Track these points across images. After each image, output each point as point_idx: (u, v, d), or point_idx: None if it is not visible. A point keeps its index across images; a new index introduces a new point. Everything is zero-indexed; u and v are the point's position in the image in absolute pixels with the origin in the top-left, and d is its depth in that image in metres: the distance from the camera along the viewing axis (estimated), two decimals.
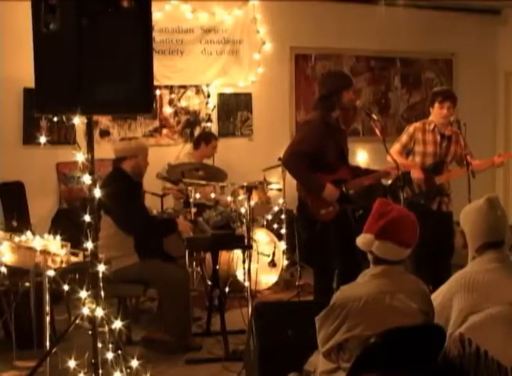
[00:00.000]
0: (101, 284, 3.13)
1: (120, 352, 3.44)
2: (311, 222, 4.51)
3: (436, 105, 5.22)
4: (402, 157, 5.24)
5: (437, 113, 5.22)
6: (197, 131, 7.08)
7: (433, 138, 5.24)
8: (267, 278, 6.08)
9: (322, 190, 4.42)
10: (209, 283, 5.05)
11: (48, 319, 3.93)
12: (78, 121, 3.09)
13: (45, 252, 3.84)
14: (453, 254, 5.28)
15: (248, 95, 7.37)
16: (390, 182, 5.42)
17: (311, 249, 4.62)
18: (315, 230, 4.48)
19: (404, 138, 5.32)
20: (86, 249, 3.12)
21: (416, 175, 5.11)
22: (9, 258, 4.03)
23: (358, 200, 4.88)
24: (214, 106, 7.19)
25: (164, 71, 6.83)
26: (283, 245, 6.28)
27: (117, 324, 3.39)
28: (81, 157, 3.09)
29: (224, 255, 5.53)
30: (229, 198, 6.05)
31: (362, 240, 2.75)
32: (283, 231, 6.41)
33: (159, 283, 4.51)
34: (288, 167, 4.57)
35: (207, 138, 6.46)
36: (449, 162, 5.33)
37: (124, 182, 4.58)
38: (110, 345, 3.34)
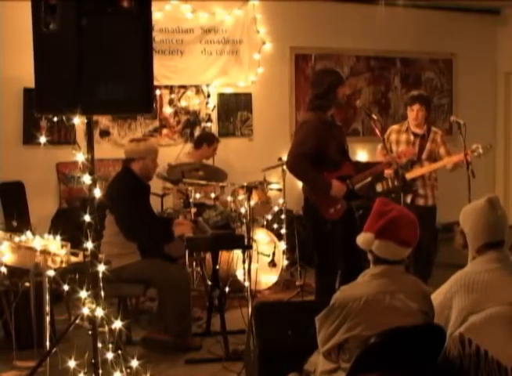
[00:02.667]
0: (101, 284, 3.13)
1: (120, 352, 3.44)
2: (320, 223, 4.50)
3: (408, 108, 5.55)
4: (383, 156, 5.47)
5: (409, 115, 5.54)
6: (197, 132, 7.08)
7: (406, 138, 5.51)
8: (267, 278, 6.08)
9: (330, 188, 4.42)
10: (209, 283, 5.05)
11: (48, 319, 3.93)
12: (78, 121, 3.09)
13: (45, 252, 3.84)
14: (434, 251, 5.40)
15: (248, 95, 7.37)
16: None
17: (317, 249, 4.61)
18: (324, 230, 4.48)
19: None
20: (86, 249, 3.12)
21: (388, 171, 5.30)
22: (9, 258, 4.03)
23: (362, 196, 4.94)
24: (214, 106, 7.19)
25: (164, 71, 6.83)
26: (283, 245, 6.28)
27: (117, 324, 3.38)
28: (81, 157, 3.09)
29: (224, 255, 5.54)
30: (229, 198, 6.05)
31: (362, 239, 2.75)
32: (283, 231, 6.41)
33: (159, 283, 4.51)
34: (293, 171, 4.55)
35: (209, 139, 6.42)
36: (424, 159, 5.46)
37: (130, 183, 4.58)
38: (110, 345, 3.34)
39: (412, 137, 5.51)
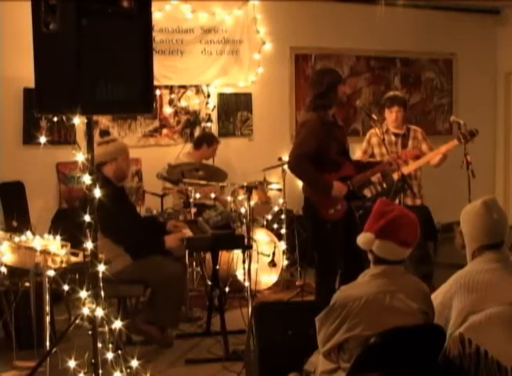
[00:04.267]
0: (101, 284, 3.13)
1: (120, 352, 3.44)
2: (320, 223, 4.50)
3: (386, 110, 5.61)
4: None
5: (387, 117, 5.61)
6: (197, 131, 7.07)
7: (387, 139, 5.54)
8: (267, 278, 6.08)
9: (331, 189, 4.42)
10: (209, 283, 5.05)
11: (48, 319, 3.93)
12: (78, 121, 3.09)
13: (45, 252, 3.84)
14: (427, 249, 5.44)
15: (248, 95, 7.37)
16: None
17: (317, 250, 4.61)
18: (324, 231, 4.47)
19: (363, 145, 5.71)
20: (86, 249, 3.12)
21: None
22: (9, 258, 4.03)
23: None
24: (214, 106, 7.18)
25: (164, 71, 6.83)
26: (283, 245, 6.28)
27: (117, 324, 3.38)
28: (81, 157, 3.10)
29: (224, 255, 5.54)
30: (229, 198, 6.05)
31: (362, 239, 2.75)
32: (283, 231, 6.40)
33: (156, 281, 4.47)
34: (294, 171, 4.55)
35: (209, 140, 6.42)
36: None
37: (106, 191, 4.48)
38: (110, 345, 3.34)
39: (393, 137, 5.56)
